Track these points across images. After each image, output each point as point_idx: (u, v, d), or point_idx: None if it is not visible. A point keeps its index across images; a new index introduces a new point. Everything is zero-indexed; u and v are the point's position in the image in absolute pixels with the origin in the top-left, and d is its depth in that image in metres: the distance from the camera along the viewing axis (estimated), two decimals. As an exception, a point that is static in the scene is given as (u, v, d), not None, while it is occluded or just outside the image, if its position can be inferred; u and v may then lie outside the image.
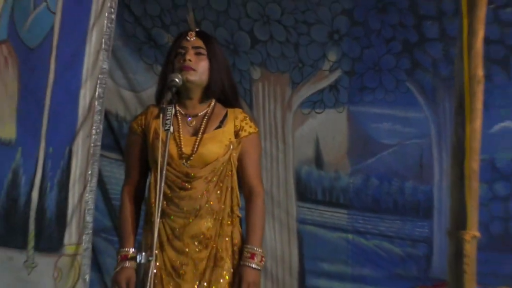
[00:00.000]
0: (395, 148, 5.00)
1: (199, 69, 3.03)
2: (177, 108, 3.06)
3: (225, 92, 3.11)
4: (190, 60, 3.02)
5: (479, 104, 2.37)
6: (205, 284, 3.13)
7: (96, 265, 5.05)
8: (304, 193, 5.22)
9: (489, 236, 4.67)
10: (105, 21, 4.24)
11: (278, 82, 5.15)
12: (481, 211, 4.57)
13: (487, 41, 3.94)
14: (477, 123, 2.37)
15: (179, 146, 3.06)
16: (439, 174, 4.91)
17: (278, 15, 5.10)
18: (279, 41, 5.10)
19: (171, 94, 2.96)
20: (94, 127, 4.22)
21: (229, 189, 3.09)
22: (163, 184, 2.90)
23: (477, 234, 2.37)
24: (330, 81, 5.05)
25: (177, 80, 2.95)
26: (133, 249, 3.14)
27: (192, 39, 3.11)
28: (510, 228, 4.84)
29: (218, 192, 3.07)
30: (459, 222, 2.39)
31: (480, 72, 2.39)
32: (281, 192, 5.33)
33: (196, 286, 3.13)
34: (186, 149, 3.04)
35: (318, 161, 5.18)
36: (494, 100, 4.70)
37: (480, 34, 2.40)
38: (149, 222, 3.09)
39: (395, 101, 4.96)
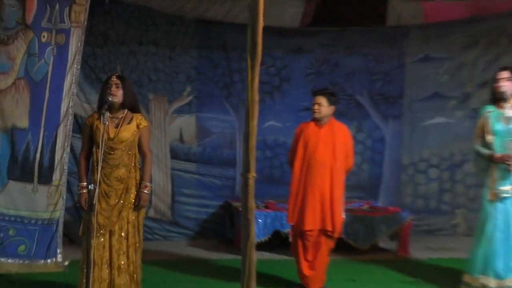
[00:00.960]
0: (219, 134, 7.77)
1: (118, 95, 4.32)
2: (108, 113, 4.23)
3: (132, 106, 4.39)
4: (113, 90, 4.31)
5: (255, 113, 2.98)
6: (121, 201, 4.31)
7: (69, 191, 6.40)
8: (174, 155, 7.57)
9: (263, 175, 7.57)
10: (75, 68, 5.68)
11: (162, 101, 7.52)
12: (258, 164, 6.43)
13: (262, 82, 6.64)
14: (254, 122, 2.99)
15: (108, 133, 4.26)
16: (239, 146, 7.61)
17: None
18: (163, 80, 7.54)
19: (106, 106, 4.21)
20: (69, 121, 5.70)
21: (134, 154, 4.37)
22: (101, 151, 4.04)
23: (255, 175, 2.99)
24: (187, 101, 7.64)
25: (110, 99, 4.24)
26: (85, 183, 4.24)
27: (114, 79, 4.39)
28: (272, 172, 7.81)
29: (129, 154, 4.33)
30: (246, 168, 3.03)
31: (256, 97, 2.96)
32: (163, 154, 7.51)
33: (116, 202, 4.30)
34: (112, 134, 4.27)
35: (181, 139, 7.63)
36: (265, 111, 7.65)
37: (257, 79, 2.92)
38: (94, 170, 4.24)
39: (219, 111, 7.68)
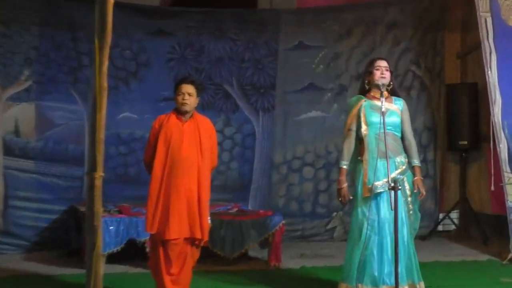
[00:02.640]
0: (64, 126, 7.48)
1: None
2: None
3: None
4: None
5: (104, 102, 3.00)
6: None
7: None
8: (8, 150, 7.19)
9: (116, 175, 7.52)
10: None
11: None
12: (111, 161, 6.53)
13: (116, 67, 6.42)
14: (102, 113, 2.97)
15: None
16: (88, 140, 7.25)
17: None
18: None
19: None
20: None
21: None
22: None
23: (103, 174, 2.93)
24: (25, 86, 7.28)
25: None
26: None
27: None
28: (127, 171, 7.69)
29: None
30: (92, 166, 2.99)
31: (105, 84, 2.98)
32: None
33: None
34: None
35: (17, 132, 7.28)
36: (119, 100, 7.61)
37: (105, 63, 2.97)
38: None
39: (64, 99, 7.41)
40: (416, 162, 4.97)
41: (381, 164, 4.78)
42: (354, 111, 5.00)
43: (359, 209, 4.90)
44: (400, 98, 5.05)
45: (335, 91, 8.35)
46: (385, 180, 4.70)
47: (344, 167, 4.99)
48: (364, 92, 5.04)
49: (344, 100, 8.04)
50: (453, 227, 8.47)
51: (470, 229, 8.29)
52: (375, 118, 4.87)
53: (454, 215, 8.51)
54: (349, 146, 5.02)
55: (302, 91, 8.31)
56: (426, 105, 8.54)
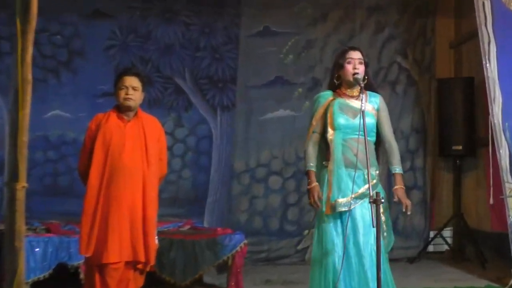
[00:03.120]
0: None
1: None
2: None
3: None
4: None
5: (28, 97, 3.04)
6: None
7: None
8: None
9: (43, 186, 7.40)
10: None
11: None
12: (37, 169, 6.53)
13: (44, 56, 6.40)
14: (26, 111, 3.02)
15: None
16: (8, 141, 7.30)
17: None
18: None
19: None
20: None
21: None
22: None
23: (26, 185, 3.01)
24: None
25: None
26: None
27: None
28: (57, 180, 7.61)
29: None
30: (13, 175, 3.07)
31: (29, 76, 3.03)
32: None
33: None
34: None
35: None
36: (48, 96, 7.54)
37: (30, 51, 3.03)
38: None
39: None
40: (397, 169, 4.93)
41: (347, 176, 4.80)
42: (321, 111, 4.97)
43: (321, 227, 4.85)
44: (376, 94, 5.00)
45: (307, 86, 8.38)
46: (351, 196, 4.71)
47: (312, 169, 4.93)
48: (333, 87, 4.99)
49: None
50: (446, 247, 8.52)
51: (466, 250, 8.36)
52: (343, 121, 4.87)
53: (447, 233, 8.58)
54: (313, 150, 4.98)
55: (268, 86, 8.33)
56: (414, 103, 8.59)
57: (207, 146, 8.30)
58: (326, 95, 5.00)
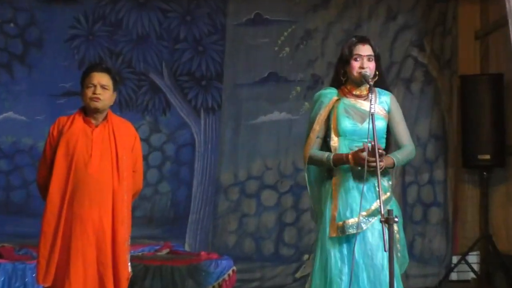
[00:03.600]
0: None
1: None
2: None
3: None
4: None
5: None
6: None
7: None
8: None
9: None
10: None
11: None
12: None
13: None
14: None
15: None
16: None
17: None
18: None
19: None
20: None
21: None
22: None
23: None
24: None
25: None
26: None
27: None
28: (10, 196, 7.58)
29: None
30: None
31: None
32: None
33: None
34: None
35: None
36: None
37: None
38: None
39: None
40: (396, 155, 4.83)
41: (355, 190, 4.79)
42: (324, 113, 4.93)
43: (327, 253, 4.80)
44: (387, 92, 5.01)
45: (306, 84, 8.37)
46: (362, 214, 4.66)
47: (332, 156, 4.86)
48: (338, 84, 4.99)
49: None
50: (471, 275, 8.44)
51: (495, 278, 8.33)
52: (350, 125, 4.86)
53: (473, 258, 8.52)
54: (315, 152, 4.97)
55: (261, 84, 8.34)
56: (432, 104, 8.52)
57: (188, 155, 8.26)
58: (330, 94, 4.96)
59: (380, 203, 4.26)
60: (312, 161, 4.92)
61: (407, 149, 4.91)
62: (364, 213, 4.68)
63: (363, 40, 4.96)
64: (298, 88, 8.40)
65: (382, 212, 4.16)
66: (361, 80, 4.81)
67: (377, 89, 4.87)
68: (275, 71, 8.38)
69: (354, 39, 5.00)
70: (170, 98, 8.24)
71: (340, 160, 4.75)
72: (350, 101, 4.89)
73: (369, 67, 4.82)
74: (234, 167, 8.34)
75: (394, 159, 4.80)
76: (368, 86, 4.74)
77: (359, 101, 4.87)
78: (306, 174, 5.00)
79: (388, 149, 4.92)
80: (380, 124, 4.84)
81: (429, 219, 8.36)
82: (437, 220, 8.37)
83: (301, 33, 8.39)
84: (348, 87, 4.92)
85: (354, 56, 4.85)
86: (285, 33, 8.37)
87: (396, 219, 4.11)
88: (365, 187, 4.61)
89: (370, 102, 4.53)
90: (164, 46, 8.25)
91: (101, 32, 8.12)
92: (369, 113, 4.53)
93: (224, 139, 8.33)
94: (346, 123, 4.85)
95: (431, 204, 8.44)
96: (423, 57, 8.54)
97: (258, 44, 8.37)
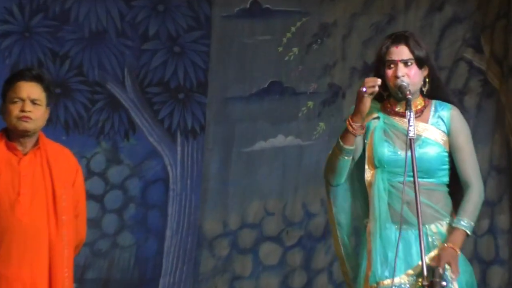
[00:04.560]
0: None
1: None
2: None
3: None
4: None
5: None
6: None
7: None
8: None
9: None
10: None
11: None
12: None
13: None
14: None
15: None
16: None
17: None
18: None
19: None
20: None
21: None
22: None
23: None
24: None
25: None
26: None
27: None
28: None
29: None
30: None
31: None
32: None
33: None
34: None
35: None
36: None
37: None
38: None
39: None
40: (463, 222, 4.87)
41: (396, 239, 4.84)
42: (363, 120, 5.01)
43: None
44: (447, 106, 5.02)
45: (322, 97, 8.47)
46: (408, 273, 4.83)
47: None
48: (380, 99, 5.05)
49: (340, 113, 8.16)
50: None
51: None
52: (389, 153, 4.98)
53: None
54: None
55: (259, 98, 8.49)
56: (493, 126, 8.52)
57: (159, 194, 8.36)
58: (371, 109, 5.01)
59: (422, 258, 4.43)
60: (328, 170, 5.12)
61: (474, 198, 4.93)
62: (410, 272, 4.82)
63: (397, 40, 5.01)
64: (310, 103, 8.48)
65: (425, 273, 4.35)
66: (398, 92, 4.88)
67: (433, 102, 5.00)
68: (279, 80, 8.46)
69: (387, 39, 5.08)
70: (135, 117, 8.35)
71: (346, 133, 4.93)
72: (393, 120, 5.03)
73: (407, 75, 4.88)
74: (223, 212, 8.37)
75: (466, 229, 4.87)
76: (412, 98, 4.81)
77: (404, 120, 4.87)
78: (330, 208, 5.20)
79: (454, 186, 4.96)
80: (433, 151, 4.94)
81: (489, 282, 8.36)
82: (499, 282, 8.33)
83: (315, 28, 8.45)
84: (391, 101, 5.02)
85: (388, 62, 4.94)
86: (293, 29, 8.46)
87: (443, 284, 4.34)
88: (412, 235, 4.76)
89: (408, 122, 4.63)
90: (127, 46, 8.35)
91: (41, 28, 8.26)
92: (407, 138, 4.64)
93: (209, 173, 8.40)
94: (384, 150, 4.97)
95: (491, 262, 8.45)
96: (480, 61, 8.55)
97: (256, 43, 8.42)
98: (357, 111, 4.86)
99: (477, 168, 4.92)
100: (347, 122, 4.87)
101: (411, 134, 4.57)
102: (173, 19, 8.51)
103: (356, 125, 4.87)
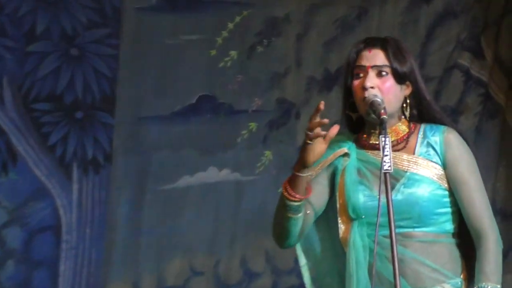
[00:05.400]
0: None
1: None
2: None
3: None
4: None
5: None
6: None
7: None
8: None
9: None
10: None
11: None
12: None
13: None
14: None
15: None
16: None
17: None
18: None
19: None
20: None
21: None
22: None
23: None
24: None
25: None
26: None
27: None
28: None
29: None
30: None
31: None
32: None
33: None
34: None
35: None
36: None
37: None
38: None
39: None
40: (486, 285, 4.15)
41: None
42: (322, 164, 4.51)
43: None
44: (439, 127, 4.35)
45: (269, 116, 7.81)
46: None
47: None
48: (353, 126, 4.56)
49: (292, 139, 7.61)
50: None
51: None
52: (367, 199, 4.38)
53: None
54: None
55: (185, 118, 7.80)
56: (497, 154, 8.09)
57: (48, 248, 7.57)
58: (339, 143, 4.54)
59: None
60: (273, 226, 4.54)
61: (491, 251, 4.26)
62: None
63: (372, 43, 4.48)
64: (253, 125, 7.85)
65: None
66: (369, 111, 4.28)
67: (422, 126, 4.44)
68: (211, 93, 7.80)
69: (361, 43, 4.57)
70: (17, 143, 7.64)
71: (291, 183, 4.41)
72: (368, 155, 4.49)
73: (379, 87, 4.32)
74: (134, 271, 7.67)
75: None
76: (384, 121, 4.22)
77: (377, 155, 4.39)
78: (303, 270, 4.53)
79: (464, 234, 4.28)
80: (423, 191, 4.35)
81: None
82: None
83: (260, 24, 7.79)
84: (365, 131, 4.51)
85: (356, 70, 4.39)
86: (231, 25, 7.80)
87: None
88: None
89: (382, 151, 4.06)
90: (6, 48, 7.64)
91: None
92: (380, 173, 4.05)
93: (115, 219, 7.68)
94: (359, 196, 4.44)
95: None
96: (480, 69, 8.07)
97: (181, 44, 7.76)
98: (300, 161, 4.38)
99: (488, 207, 4.28)
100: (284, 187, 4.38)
101: (386, 166, 4.13)
102: (68, 12, 7.79)
103: (301, 175, 4.41)
